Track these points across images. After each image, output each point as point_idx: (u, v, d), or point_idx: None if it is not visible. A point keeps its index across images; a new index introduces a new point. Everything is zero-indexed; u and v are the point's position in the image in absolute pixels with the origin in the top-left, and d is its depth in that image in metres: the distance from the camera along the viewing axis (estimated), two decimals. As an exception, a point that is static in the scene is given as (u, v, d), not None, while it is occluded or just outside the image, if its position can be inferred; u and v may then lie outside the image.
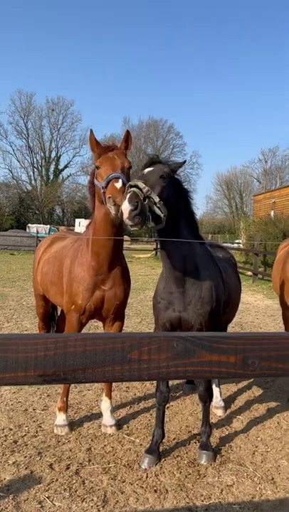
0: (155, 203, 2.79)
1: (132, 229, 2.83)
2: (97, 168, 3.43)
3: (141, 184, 2.76)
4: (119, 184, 3.18)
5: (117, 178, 3.23)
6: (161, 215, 2.85)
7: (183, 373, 1.13)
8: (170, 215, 2.98)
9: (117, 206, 3.07)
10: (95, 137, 3.53)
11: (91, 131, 3.57)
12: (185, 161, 3.28)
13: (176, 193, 3.04)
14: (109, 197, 3.16)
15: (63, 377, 1.04)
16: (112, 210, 3.15)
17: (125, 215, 2.72)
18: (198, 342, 1.13)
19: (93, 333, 1.12)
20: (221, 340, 1.15)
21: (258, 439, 3.89)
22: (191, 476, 3.22)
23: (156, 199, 2.79)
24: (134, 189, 2.74)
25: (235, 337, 1.16)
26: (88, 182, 3.82)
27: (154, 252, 26.88)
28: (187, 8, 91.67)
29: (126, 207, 2.70)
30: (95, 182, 3.48)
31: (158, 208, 2.81)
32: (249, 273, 17.23)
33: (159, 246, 3.29)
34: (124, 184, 3.15)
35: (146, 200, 2.74)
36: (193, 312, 3.23)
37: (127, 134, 3.59)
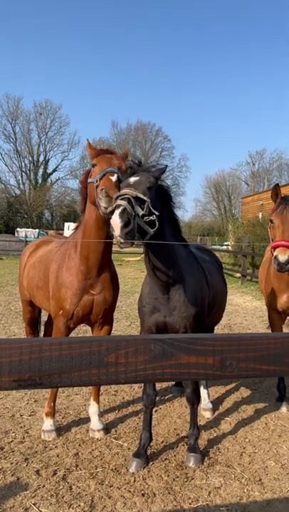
0: (144, 221, 2.72)
1: (121, 246, 2.70)
2: (93, 166, 3.36)
3: (131, 193, 2.68)
4: (114, 178, 3.11)
5: (112, 173, 3.16)
6: (151, 232, 2.78)
7: (161, 376, 1.13)
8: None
9: (109, 198, 2.95)
10: (90, 144, 3.54)
11: (88, 141, 3.59)
12: (166, 166, 3.20)
13: (160, 202, 2.99)
14: (102, 188, 3.04)
15: (39, 381, 1.03)
16: (103, 203, 3.00)
17: (116, 231, 2.59)
18: (176, 344, 1.13)
19: (69, 337, 1.12)
20: (199, 341, 1.15)
21: (246, 440, 3.90)
22: (178, 479, 3.21)
23: (145, 215, 2.71)
24: (123, 203, 2.62)
25: (213, 338, 1.16)
26: (80, 182, 3.76)
27: (143, 255, 26.85)
28: (174, 9, 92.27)
29: (116, 222, 2.57)
30: (89, 179, 3.40)
31: (146, 223, 2.74)
32: (238, 275, 17.31)
33: (144, 254, 3.22)
34: (119, 180, 3.08)
35: (136, 218, 2.66)
36: (178, 316, 3.24)
37: (126, 155, 3.58)
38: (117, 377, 1.09)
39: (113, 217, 2.62)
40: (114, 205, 2.69)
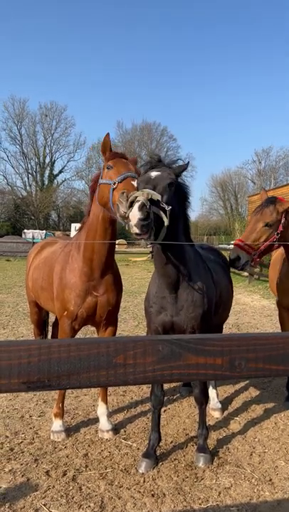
0: (164, 211, 2.72)
1: (137, 237, 2.70)
2: (109, 168, 3.34)
3: (153, 194, 2.67)
4: (135, 183, 3.10)
5: (133, 178, 3.17)
6: (165, 223, 2.76)
7: (169, 377, 1.13)
8: (172, 219, 2.96)
9: (130, 203, 2.88)
10: (109, 140, 3.50)
11: (107, 134, 3.52)
12: (188, 163, 3.15)
13: (178, 200, 2.99)
14: (124, 192, 2.98)
15: (48, 383, 1.04)
16: (123, 206, 2.95)
17: (133, 221, 2.59)
18: (184, 345, 1.13)
19: (77, 339, 1.12)
20: (207, 342, 1.14)
21: (256, 440, 3.88)
22: (188, 480, 3.20)
23: (166, 207, 2.72)
24: (142, 198, 2.62)
25: (221, 339, 1.16)
26: (91, 180, 3.72)
27: (150, 255, 26.84)
28: (177, 9, 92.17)
29: (135, 214, 2.57)
30: (103, 180, 3.35)
31: (165, 216, 2.72)
32: (245, 274, 17.22)
33: (153, 252, 3.21)
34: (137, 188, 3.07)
35: (154, 208, 2.66)
36: (185, 316, 3.22)
37: (135, 161, 3.59)
38: (125, 378, 1.09)
39: (133, 209, 2.61)
40: (132, 199, 2.68)
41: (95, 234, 3.52)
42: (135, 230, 2.61)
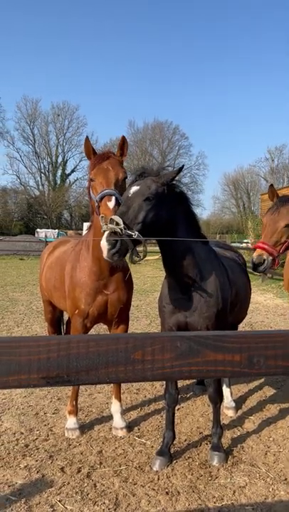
0: (132, 236, 2.71)
1: (113, 263, 2.90)
2: (92, 180, 3.37)
3: (119, 220, 2.70)
4: (112, 204, 3.10)
5: (110, 196, 3.16)
6: (130, 247, 2.75)
7: (187, 373, 1.12)
8: (165, 230, 2.93)
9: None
10: (90, 144, 3.49)
11: (87, 138, 3.54)
12: (182, 168, 3.06)
13: (167, 208, 2.92)
14: (102, 216, 3.07)
15: (67, 379, 1.04)
16: (106, 232, 3.04)
17: (104, 253, 2.73)
18: (203, 341, 1.12)
19: (96, 334, 1.12)
20: (225, 339, 1.13)
21: (270, 439, 3.85)
22: (202, 478, 3.20)
23: (134, 231, 2.71)
24: (112, 226, 2.68)
25: (240, 336, 1.15)
26: (87, 188, 3.77)
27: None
28: (189, 7, 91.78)
29: (104, 245, 2.71)
30: (91, 194, 3.42)
31: (134, 238, 2.72)
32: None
33: (161, 255, 3.20)
34: (117, 201, 3.10)
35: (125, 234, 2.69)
36: (199, 316, 3.21)
37: (123, 141, 3.52)
38: (144, 374, 1.09)
39: (101, 241, 2.75)
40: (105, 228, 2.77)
41: (99, 235, 3.52)
42: (107, 259, 2.77)
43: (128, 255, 2.80)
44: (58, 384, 1.04)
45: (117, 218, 2.72)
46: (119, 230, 2.66)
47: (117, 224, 2.68)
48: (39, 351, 1.03)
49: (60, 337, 1.08)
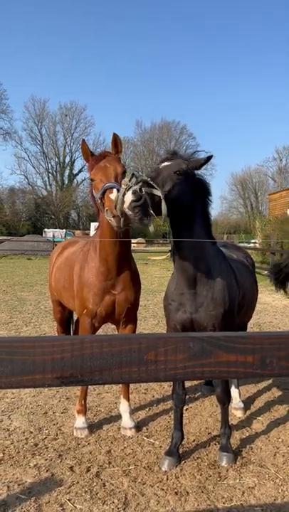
0: (156, 201, 2.66)
1: (134, 223, 2.71)
2: (92, 180, 3.42)
3: (139, 176, 2.66)
4: (113, 195, 3.12)
5: (111, 188, 3.20)
6: (164, 212, 2.69)
7: (200, 374, 1.13)
8: (184, 213, 2.94)
9: (117, 218, 2.99)
10: (87, 147, 3.54)
11: (83, 141, 3.58)
12: (210, 157, 3.03)
13: (192, 192, 2.95)
14: (107, 210, 3.11)
15: (80, 379, 1.05)
16: (114, 223, 3.09)
17: (126, 204, 2.61)
18: (215, 342, 1.12)
19: (109, 335, 1.13)
20: (238, 340, 1.14)
21: (279, 440, 3.84)
22: (211, 478, 3.19)
23: (159, 196, 2.66)
24: (135, 183, 2.62)
25: (252, 336, 1.15)
26: (89, 191, 3.82)
27: (169, 253, 26.83)
28: (197, 4, 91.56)
29: (128, 198, 2.60)
30: (94, 194, 3.46)
31: (156, 207, 2.67)
32: (266, 273, 17.05)
33: (171, 246, 3.21)
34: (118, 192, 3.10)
35: (148, 197, 2.62)
36: (205, 313, 3.18)
37: (115, 138, 3.54)
38: (156, 375, 1.09)
39: (126, 195, 2.63)
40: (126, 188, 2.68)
41: (105, 235, 3.54)
42: (128, 211, 2.61)
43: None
44: (72, 384, 1.05)
45: (136, 176, 2.64)
46: (147, 180, 2.62)
47: (143, 180, 2.61)
48: (53, 351, 1.04)
49: (74, 337, 1.09)
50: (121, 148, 3.57)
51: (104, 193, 3.22)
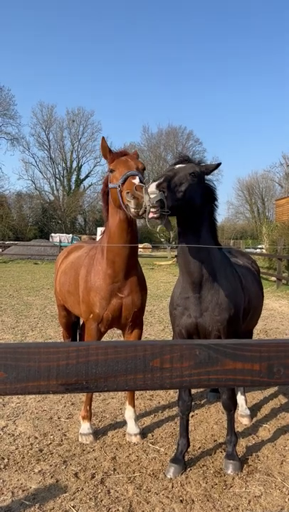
0: (175, 193, 2.74)
1: (150, 216, 2.68)
2: (111, 171, 3.45)
3: (158, 180, 2.72)
4: (136, 180, 3.19)
5: (134, 175, 3.26)
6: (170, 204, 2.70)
7: (206, 382, 1.12)
8: (193, 215, 2.97)
9: (136, 200, 2.96)
10: (107, 144, 3.59)
11: (103, 138, 3.65)
12: (219, 164, 3.17)
13: (202, 195, 3.01)
14: (128, 192, 3.08)
15: (86, 385, 1.04)
16: (132, 205, 3.01)
17: (146, 197, 2.63)
18: (222, 350, 1.11)
19: (114, 341, 1.12)
20: (245, 347, 1.12)
21: (286, 448, 3.79)
22: (217, 487, 3.16)
23: (179, 194, 2.76)
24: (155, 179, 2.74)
25: (259, 344, 1.14)
26: (101, 190, 3.84)
27: (175, 259, 26.84)
28: (201, 7, 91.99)
29: (152, 190, 2.62)
30: (110, 185, 3.47)
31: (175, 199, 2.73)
32: (273, 278, 16.96)
33: (177, 250, 3.22)
34: (141, 182, 3.17)
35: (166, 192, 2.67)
36: (210, 318, 3.17)
37: (136, 153, 3.70)
38: (162, 382, 1.08)
39: (149, 187, 2.66)
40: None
41: (114, 237, 3.55)
42: (147, 203, 2.63)
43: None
44: (76, 391, 1.04)
45: (153, 189, 2.65)
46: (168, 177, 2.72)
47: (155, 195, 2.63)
48: (58, 357, 1.03)
49: (79, 343, 1.08)
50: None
51: (126, 179, 3.26)
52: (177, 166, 2.96)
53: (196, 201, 2.94)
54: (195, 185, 2.89)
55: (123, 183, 3.25)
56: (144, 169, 3.47)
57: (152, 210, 2.65)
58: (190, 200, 2.86)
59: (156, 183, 2.68)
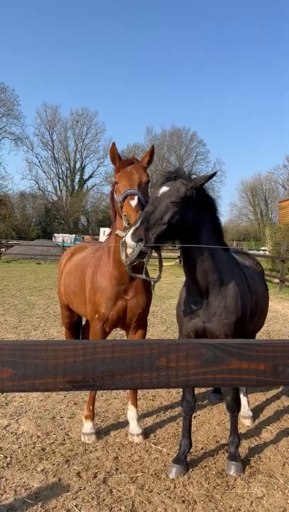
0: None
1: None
2: (116, 183, 3.47)
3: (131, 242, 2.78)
4: (134, 202, 3.20)
5: (133, 195, 3.24)
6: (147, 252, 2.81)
7: (212, 381, 1.12)
8: (189, 233, 2.96)
9: (130, 226, 3.05)
10: (116, 150, 3.54)
11: (113, 143, 3.59)
12: (214, 174, 3.09)
13: (194, 211, 2.93)
14: (125, 215, 3.21)
15: (92, 383, 1.05)
16: (124, 235, 3.12)
17: (123, 255, 2.85)
18: (227, 349, 1.12)
19: (121, 340, 1.13)
20: (251, 347, 1.13)
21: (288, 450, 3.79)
22: (219, 487, 3.16)
23: (162, 226, 2.78)
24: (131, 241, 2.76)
25: (265, 344, 1.14)
26: (110, 192, 3.85)
27: (178, 260, 26.82)
28: (205, 9, 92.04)
29: (129, 243, 2.75)
30: (114, 196, 3.51)
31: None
32: (276, 280, 16.94)
33: (181, 258, 3.22)
34: (140, 201, 3.20)
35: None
36: (218, 322, 3.17)
37: (152, 149, 3.63)
38: (168, 381, 1.09)
39: (126, 237, 2.81)
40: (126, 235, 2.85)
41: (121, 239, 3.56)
42: (127, 262, 2.90)
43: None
44: (83, 388, 1.05)
45: (129, 240, 2.77)
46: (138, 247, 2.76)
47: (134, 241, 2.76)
48: (66, 355, 1.04)
49: (87, 341, 1.09)
50: (152, 160, 3.61)
51: (125, 198, 3.28)
52: (161, 190, 2.88)
53: (187, 221, 2.89)
54: (181, 209, 2.83)
55: (123, 201, 3.29)
56: (148, 182, 3.43)
57: (134, 262, 2.82)
58: (178, 224, 2.82)
59: (131, 231, 2.74)
